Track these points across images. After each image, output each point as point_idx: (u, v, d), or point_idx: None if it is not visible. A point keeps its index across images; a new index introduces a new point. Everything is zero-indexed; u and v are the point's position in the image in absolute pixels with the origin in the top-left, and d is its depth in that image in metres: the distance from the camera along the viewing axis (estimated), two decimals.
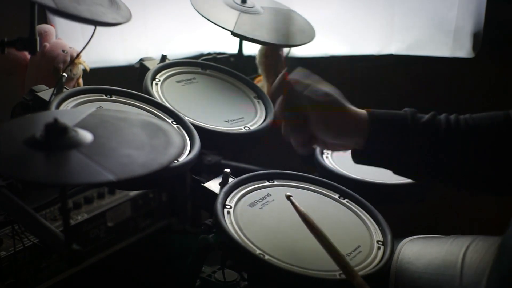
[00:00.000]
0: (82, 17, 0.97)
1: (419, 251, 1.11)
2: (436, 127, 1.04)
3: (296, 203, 0.99)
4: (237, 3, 1.39)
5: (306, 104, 1.07)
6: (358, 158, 1.09)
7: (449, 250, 1.09)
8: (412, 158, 1.05)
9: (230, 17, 1.35)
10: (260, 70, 1.45)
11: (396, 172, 1.09)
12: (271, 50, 1.42)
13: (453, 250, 1.09)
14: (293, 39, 1.37)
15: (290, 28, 1.41)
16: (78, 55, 1.21)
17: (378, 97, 1.84)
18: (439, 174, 1.07)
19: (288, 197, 1.02)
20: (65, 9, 0.95)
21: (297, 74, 1.11)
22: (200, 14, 1.31)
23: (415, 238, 1.16)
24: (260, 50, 1.44)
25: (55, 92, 1.10)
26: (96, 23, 1.00)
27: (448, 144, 1.04)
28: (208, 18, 1.31)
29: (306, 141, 1.11)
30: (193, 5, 1.32)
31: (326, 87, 1.08)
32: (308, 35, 1.41)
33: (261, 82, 1.46)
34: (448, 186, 1.13)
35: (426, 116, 1.06)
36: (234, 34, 1.31)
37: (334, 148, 1.15)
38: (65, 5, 0.95)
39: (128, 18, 1.08)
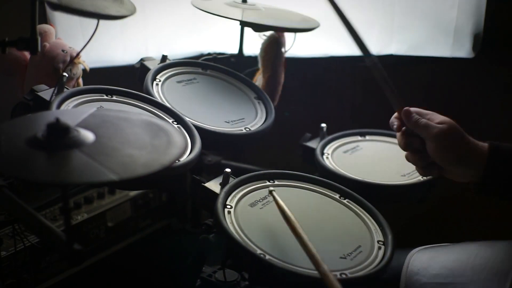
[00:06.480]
0: (85, 10, 0.97)
1: (428, 261, 1.12)
2: None
3: (278, 198, 1.00)
4: (237, 3, 1.40)
5: (423, 131, 1.07)
6: (478, 190, 1.07)
7: (457, 259, 1.10)
8: None
9: (236, 11, 1.35)
10: (260, 64, 1.46)
11: None
12: (271, 46, 1.43)
13: (461, 259, 1.09)
14: (300, 25, 1.38)
15: (295, 18, 1.43)
16: (80, 50, 1.20)
17: (378, 97, 1.83)
18: None
19: (271, 192, 1.02)
20: (69, 4, 0.94)
21: (414, 108, 1.11)
22: (205, 11, 1.31)
23: (423, 248, 1.16)
24: (263, 44, 1.45)
25: (55, 92, 1.10)
26: (100, 16, 1.00)
27: None
28: (215, 13, 1.31)
29: (425, 165, 1.09)
30: (194, 5, 1.32)
31: (443, 117, 1.08)
32: (314, 23, 1.43)
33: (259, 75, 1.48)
34: None
35: None
36: (243, 23, 1.31)
37: (452, 176, 1.10)
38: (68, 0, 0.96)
39: (132, 11, 1.08)
